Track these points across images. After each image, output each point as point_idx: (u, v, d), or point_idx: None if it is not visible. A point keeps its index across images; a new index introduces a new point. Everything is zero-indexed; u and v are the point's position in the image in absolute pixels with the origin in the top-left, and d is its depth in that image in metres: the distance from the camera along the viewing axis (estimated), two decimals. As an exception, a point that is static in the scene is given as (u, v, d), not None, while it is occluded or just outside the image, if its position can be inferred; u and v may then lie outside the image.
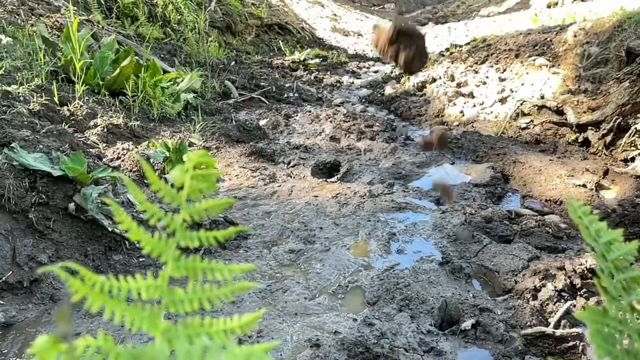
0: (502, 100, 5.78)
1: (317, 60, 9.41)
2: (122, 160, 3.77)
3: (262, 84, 7.09)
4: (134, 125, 4.45)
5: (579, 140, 4.78)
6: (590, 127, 4.75)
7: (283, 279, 2.74)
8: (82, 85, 4.44)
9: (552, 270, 2.71)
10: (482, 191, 3.93)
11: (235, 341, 0.49)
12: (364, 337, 2.24)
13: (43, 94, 4.07)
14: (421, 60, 2.55)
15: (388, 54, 2.51)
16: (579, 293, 2.60)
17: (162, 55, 6.92)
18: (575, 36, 5.88)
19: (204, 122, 5.03)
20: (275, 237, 3.16)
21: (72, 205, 2.73)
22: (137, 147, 3.99)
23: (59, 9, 6.23)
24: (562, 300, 2.52)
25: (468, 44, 7.83)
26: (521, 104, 5.37)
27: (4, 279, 2.38)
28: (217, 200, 0.49)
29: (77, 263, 0.46)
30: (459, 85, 6.54)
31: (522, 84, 5.82)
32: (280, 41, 10.61)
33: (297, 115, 5.99)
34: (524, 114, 5.35)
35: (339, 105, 6.57)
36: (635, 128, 4.45)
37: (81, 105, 4.25)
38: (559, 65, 5.75)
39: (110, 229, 2.76)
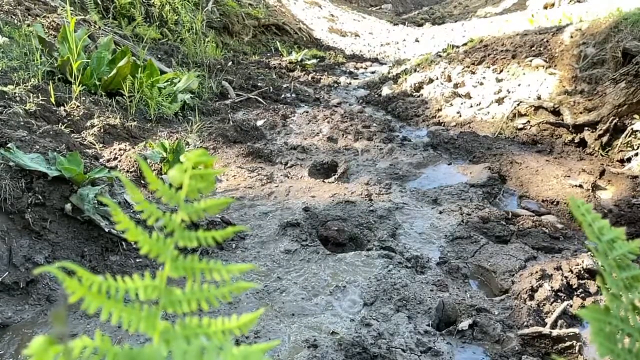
0: (499, 101, 5.79)
1: (315, 61, 9.41)
2: (119, 161, 3.76)
3: (259, 84, 7.08)
4: (131, 125, 4.44)
5: (576, 141, 4.80)
6: (586, 128, 4.76)
7: (280, 280, 2.74)
8: (78, 85, 4.43)
9: (549, 271, 2.71)
10: (479, 192, 3.94)
11: (232, 342, 0.49)
12: (362, 338, 2.24)
13: (39, 94, 4.06)
14: None
15: None
16: (575, 293, 2.60)
17: (159, 56, 6.91)
18: (571, 37, 5.90)
19: (201, 123, 5.03)
20: (272, 237, 3.16)
21: (68, 206, 2.72)
22: (134, 148, 3.98)
23: (55, 9, 6.21)
24: (559, 301, 2.52)
25: (465, 44, 7.84)
26: (518, 105, 5.39)
27: (0, 279, 2.37)
28: (215, 200, 0.49)
29: (74, 264, 0.46)
30: (456, 85, 6.55)
31: (519, 85, 5.84)
32: (277, 42, 10.61)
33: (294, 116, 5.99)
34: (520, 115, 5.36)
35: (336, 106, 6.57)
36: (632, 129, 4.47)
37: (78, 106, 4.24)
38: (555, 66, 5.77)
39: (107, 230, 2.75)
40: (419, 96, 6.82)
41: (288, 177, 4.13)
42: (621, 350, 0.48)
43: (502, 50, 6.60)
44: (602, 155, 4.54)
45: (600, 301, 2.57)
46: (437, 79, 6.91)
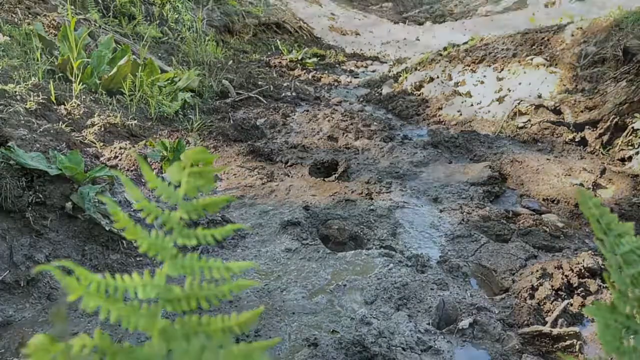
0: (500, 100, 5.79)
1: (315, 59, 9.40)
2: (120, 160, 3.76)
3: (259, 83, 7.08)
4: (132, 124, 4.44)
5: (576, 140, 4.79)
6: (587, 127, 4.76)
7: (280, 278, 2.74)
8: (79, 84, 4.43)
9: (550, 269, 2.71)
10: (479, 190, 3.93)
11: (232, 340, 0.49)
12: (362, 336, 2.24)
13: (40, 92, 4.06)
14: None
15: None
16: (576, 292, 2.60)
17: (159, 54, 6.90)
18: (572, 35, 5.89)
19: (202, 122, 5.03)
20: (273, 236, 3.16)
21: (69, 205, 2.72)
22: (134, 147, 3.98)
23: (55, 7, 6.21)
24: (560, 299, 2.52)
25: (466, 43, 7.83)
26: (519, 104, 5.38)
27: (1, 278, 2.37)
28: (215, 198, 0.49)
29: (74, 262, 0.46)
30: (456, 84, 6.54)
31: (520, 84, 5.83)
32: (277, 40, 10.59)
33: (294, 115, 5.98)
34: (521, 113, 5.36)
35: (336, 105, 6.57)
36: (632, 127, 4.47)
37: (78, 104, 4.24)
38: (556, 64, 5.76)
39: (107, 228, 2.75)
40: (419, 95, 6.81)
41: (288, 176, 4.13)
42: (628, 349, 0.47)
43: (502, 49, 6.60)
44: (603, 154, 4.53)
45: (601, 299, 2.57)
46: (437, 77, 6.90)
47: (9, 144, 2.77)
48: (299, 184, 3.94)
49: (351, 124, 5.48)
